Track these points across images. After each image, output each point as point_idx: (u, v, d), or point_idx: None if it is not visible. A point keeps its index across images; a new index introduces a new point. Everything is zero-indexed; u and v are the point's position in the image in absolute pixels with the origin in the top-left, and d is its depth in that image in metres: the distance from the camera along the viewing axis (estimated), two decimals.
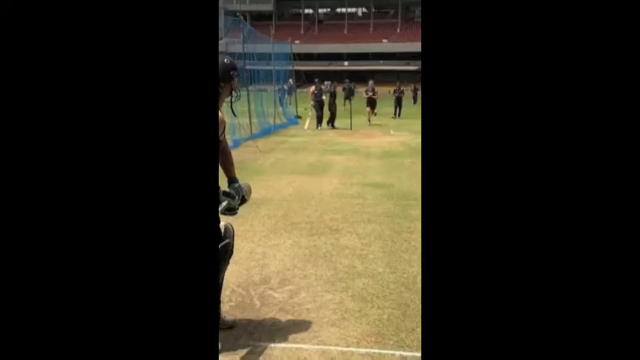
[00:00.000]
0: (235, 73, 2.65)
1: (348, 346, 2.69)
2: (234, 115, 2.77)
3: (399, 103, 19.62)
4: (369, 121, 16.52)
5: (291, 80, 20.37)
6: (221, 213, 2.60)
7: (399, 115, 19.25)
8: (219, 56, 2.65)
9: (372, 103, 16.87)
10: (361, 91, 19.29)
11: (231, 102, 2.71)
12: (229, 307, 3.12)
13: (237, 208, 2.75)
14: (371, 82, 17.28)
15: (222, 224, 2.75)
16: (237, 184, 2.81)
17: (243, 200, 2.81)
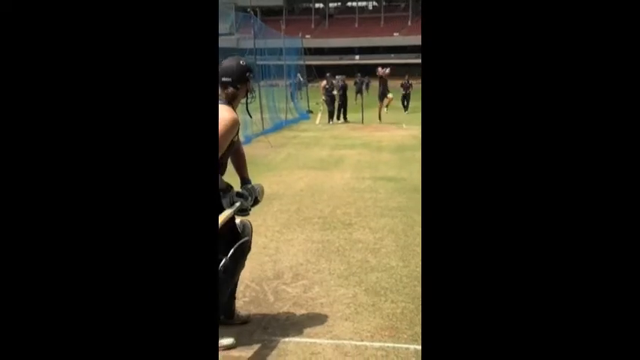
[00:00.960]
0: (251, 75, 2.66)
1: (362, 340, 2.70)
2: (250, 116, 2.80)
3: (406, 97, 18.91)
4: (380, 118, 15.30)
5: (299, 75, 20.20)
6: (234, 213, 2.62)
7: (406, 109, 18.60)
8: (235, 58, 2.66)
9: (383, 92, 15.43)
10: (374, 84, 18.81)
11: (247, 103, 2.72)
12: (243, 302, 3.14)
13: (250, 209, 2.76)
14: (380, 69, 15.97)
15: (239, 222, 2.77)
16: (250, 185, 2.83)
17: (256, 201, 2.83)
